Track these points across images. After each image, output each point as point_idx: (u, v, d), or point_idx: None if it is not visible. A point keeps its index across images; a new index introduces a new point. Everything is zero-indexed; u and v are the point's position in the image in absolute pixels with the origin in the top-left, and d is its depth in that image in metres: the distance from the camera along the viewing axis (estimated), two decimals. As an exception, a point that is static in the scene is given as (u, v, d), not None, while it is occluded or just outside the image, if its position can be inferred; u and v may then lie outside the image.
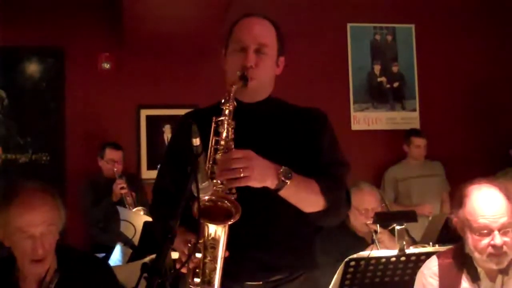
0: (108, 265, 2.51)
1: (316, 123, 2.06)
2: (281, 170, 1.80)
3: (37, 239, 2.08)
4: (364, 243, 3.49)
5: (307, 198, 1.90)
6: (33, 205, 2.11)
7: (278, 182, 1.80)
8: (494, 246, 2.19)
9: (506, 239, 2.21)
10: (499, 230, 2.20)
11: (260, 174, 1.76)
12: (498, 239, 2.19)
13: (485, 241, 2.21)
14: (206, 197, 1.74)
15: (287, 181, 1.80)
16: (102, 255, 3.71)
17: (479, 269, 2.30)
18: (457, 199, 2.34)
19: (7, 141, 5.52)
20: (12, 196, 2.14)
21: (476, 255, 2.26)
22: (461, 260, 2.34)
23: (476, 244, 2.24)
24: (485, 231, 2.21)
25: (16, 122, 5.56)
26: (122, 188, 4.88)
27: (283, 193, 1.83)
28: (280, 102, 2.12)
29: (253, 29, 2.02)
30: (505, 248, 2.20)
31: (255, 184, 1.77)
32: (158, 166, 2.28)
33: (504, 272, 2.25)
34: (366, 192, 3.64)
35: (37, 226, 2.08)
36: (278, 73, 2.10)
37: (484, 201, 2.25)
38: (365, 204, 3.57)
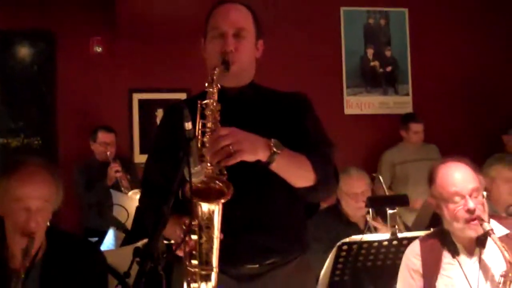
0: (98, 248, 2.52)
1: (299, 106, 2.09)
2: (272, 141, 1.81)
3: (32, 213, 2.10)
4: (356, 228, 3.51)
5: (298, 172, 1.91)
6: (34, 179, 2.14)
7: (269, 153, 1.80)
8: (468, 211, 2.29)
9: (478, 201, 2.32)
10: (470, 195, 2.31)
11: (251, 146, 1.77)
12: (470, 203, 2.29)
13: (459, 207, 2.31)
14: (197, 180, 1.75)
15: (278, 151, 1.80)
16: (95, 239, 3.72)
17: (458, 245, 2.39)
18: (429, 179, 2.46)
19: (-2, 125, 5.50)
20: (15, 167, 2.17)
21: (455, 225, 2.34)
22: (441, 239, 2.44)
23: (452, 214, 2.33)
24: (457, 198, 2.32)
25: (8, 107, 5.53)
26: (117, 171, 4.87)
27: (274, 166, 1.83)
28: (263, 88, 2.14)
29: (229, 15, 2.03)
30: (478, 211, 2.29)
31: (248, 157, 1.76)
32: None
33: (481, 244, 2.33)
34: (355, 177, 3.68)
35: (35, 199, 2.11)
36: (258, 56, 2.12)
37: (451, 172, 2.38)
38: (354, 188, 3.60)
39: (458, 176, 2.36)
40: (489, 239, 2.27)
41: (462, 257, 2.38)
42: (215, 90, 1.87)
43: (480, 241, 2.32)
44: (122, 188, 4.77)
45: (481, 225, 2.26)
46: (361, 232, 3.30)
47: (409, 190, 5.11)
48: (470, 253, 2.38)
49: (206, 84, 1.88)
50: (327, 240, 3.18)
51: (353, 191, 3.60)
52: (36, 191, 2.13)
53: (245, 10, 2.08)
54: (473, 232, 2.30)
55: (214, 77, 1.88)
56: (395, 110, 6.13)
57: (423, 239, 2.52)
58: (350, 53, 6.17)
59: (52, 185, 2.19)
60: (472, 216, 2.28)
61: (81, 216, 5.13)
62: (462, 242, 2.39)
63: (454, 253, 2.39)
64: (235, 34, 2.00)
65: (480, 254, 2.34)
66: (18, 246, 2.11)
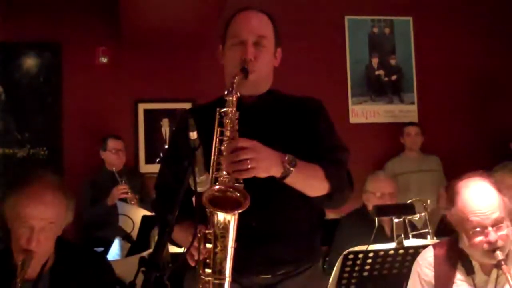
0: (106, 259, 2.52)
1: (311, 111, 2.09)
2: (286, 158, 1.81)
3: (35, 232, 2.08)
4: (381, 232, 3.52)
5: (312, 184, 1.92)
6: (41, 199, 2.11)
7: (283, 171, 1.81)
8: (489, 243, 2.15)
9: (501, 233, 2.17)
10: (492, 226, 2.16)
11: (266, 164, 1.77)
12: (492, 236, 2.15)
13: (480, 238, 2.17)
14: (216, 187, 1.75)
15: (292, 168, 1.81)
16: (100, 249, 3.72)
17: (473, 262, 2.28)
18: (449, 196, 2.30)
19: (4, 136, 5.52)
20: (25, 183, 2.15)
21: (472, 251, 2.23)
22: (456, 252, 2.32)
23: (471, 242, 2.20)
24: (478, 229, 2.17)
25: (14, 117, 5.55)
26: (125, 193, 4.81)
27: (288, 180, 1.84)
28: (280, 94, 2.14)
29: (250, 22, 2.03)
30: (500, 242, 2.15)
31: (261, 174, 1.77)
32: (158, 160, 2.28)
33: (499, 266, 2.18)
34: (382, 179, 3.94)
35: (39, 220, 2.09)
36: (276, 64, 2.12)
37: (474, 198, 2.20)
38: (381, 189, 3.83)
39: (481, 204, 2.18)
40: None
41: (477, 276, 2.27)
42: (234, 99, 1.86)
43: (499, 263, 2.18)
44: (128, 200, 4.76)
45: (493, 252, 2.14)
46: (386, 236, 3.35)
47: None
48: (487, 273, 2.26)
49: (226, 92, 1.87)
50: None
51: (381, 191, 3.82)
52: (41, 212, 2.09)
53: (266, 18, 2.08)
54: (491, 260, 2.18)
55: (234, 86, 1.87)
56: (400, 119, 6.13)
57: (436, 248, 2.39)
58: (355, 62, 6.18)
59: (60, 206, 2.16)
60: (492, 248, 2.14)
61: (86, 226, 5.12)
62: (478, 260, 2.26)
63: (469, 271, 2.26)
64: (255, 42, 2.00)
65: (498, 276, 2.22)
66: (20, 259, 2.11)
